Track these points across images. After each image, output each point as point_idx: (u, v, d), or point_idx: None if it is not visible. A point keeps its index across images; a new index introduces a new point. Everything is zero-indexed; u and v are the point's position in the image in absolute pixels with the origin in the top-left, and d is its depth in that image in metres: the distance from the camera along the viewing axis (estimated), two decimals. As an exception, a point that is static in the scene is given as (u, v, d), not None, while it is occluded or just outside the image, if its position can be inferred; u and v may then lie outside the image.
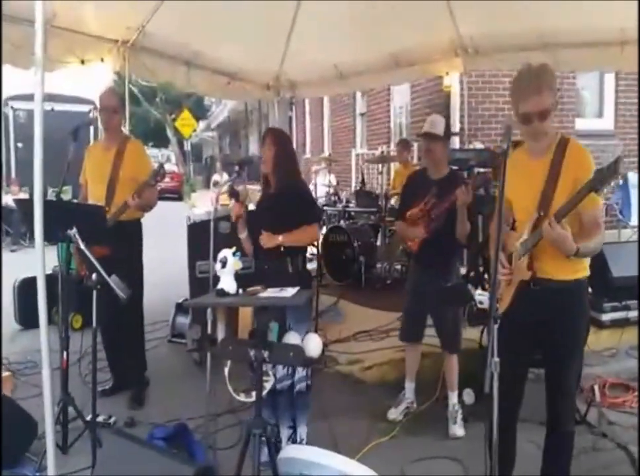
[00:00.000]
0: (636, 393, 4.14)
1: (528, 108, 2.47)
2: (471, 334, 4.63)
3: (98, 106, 4.24)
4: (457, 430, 3.71)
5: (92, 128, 11.98)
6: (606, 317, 5.21)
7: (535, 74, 2.51)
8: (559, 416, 2.65)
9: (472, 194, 3.45)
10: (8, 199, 11.00)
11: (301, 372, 3.19)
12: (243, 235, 3.41)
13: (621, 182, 8.75)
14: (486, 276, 4.17)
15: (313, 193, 7.77)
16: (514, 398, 2.65)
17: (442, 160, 3.81)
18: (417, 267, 3.98)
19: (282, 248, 3.26)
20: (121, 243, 3.72)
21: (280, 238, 3.25)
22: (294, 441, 3.15)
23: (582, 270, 2.63)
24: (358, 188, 8.71)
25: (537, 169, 2.57)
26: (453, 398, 3.83)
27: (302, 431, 3.21)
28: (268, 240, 3.27)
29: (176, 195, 23.02)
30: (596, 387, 4.16)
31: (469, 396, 4.00)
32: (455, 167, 4.91)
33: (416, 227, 3.75)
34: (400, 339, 4.09)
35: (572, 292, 2.61)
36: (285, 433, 3.16)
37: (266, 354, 2.40)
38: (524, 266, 2.57)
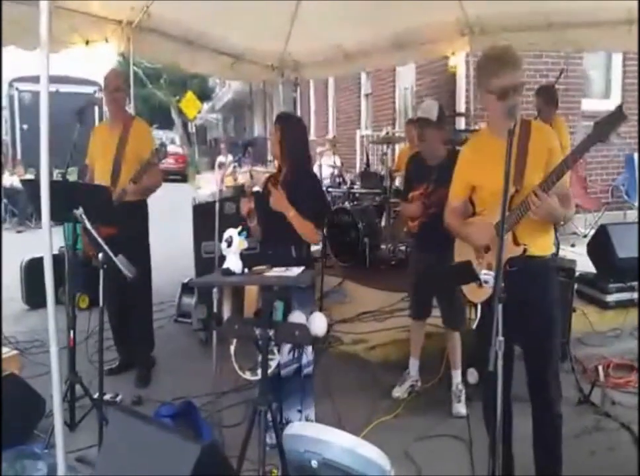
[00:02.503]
0: (640, 373, 4.17)
1: (507, 81, 2.49)
2: (474, 314, 4.66)
3: (103, 85, 4.22)
4: (461, 408, 3.73)
5: (97, 109, 11.97)
6: (611, 298, 5.23)
7: (505, 52, 2.59)
8: (547, 395, 2.65)
9: None
10: (14, 180, 11.03)
11: (308, 356, 3.21)
12: (253, 223, 3.39)
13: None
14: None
15: (317, 174, 7.77)
16: (506, 376, 2.66)
17: (437, 145, 3.78)
18: (417, 250, 4.02)
19: (285, 219, 3.21)
20: (128, 223, 3.73)
21: (293, 211, 3.18)
22: (302, 424, 3.17)
23: (551, 246, 2.70)
24: (363, 169, 8.68)
25: (505, 149, 2.56)
26: (457, 377, 3.85)
27: (310, 413, 3.23)
28: (280, 202, 3.18)
29: (180, 177, 23.03)
30: (600, 368, 4.17)
31: (472, 376, 4.02)
32: (458, 148, 4.89)
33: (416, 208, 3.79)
34: (410, 316, 4.12)
35: (547, 268, 2.66)
36: (294, 417, 3.18)
37: (271, 332, 2.42)
38: (510, 243, 2.54)
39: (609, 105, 9.40)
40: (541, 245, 2.62)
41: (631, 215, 8.57)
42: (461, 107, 8.65)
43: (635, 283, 5.22)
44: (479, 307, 2.77)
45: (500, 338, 2.17)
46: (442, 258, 3.69)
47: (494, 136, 2.63)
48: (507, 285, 2.52)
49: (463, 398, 3.78)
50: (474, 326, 2.83)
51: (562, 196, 2.55)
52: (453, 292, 3.81)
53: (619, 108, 2.20)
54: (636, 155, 8.88)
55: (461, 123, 8.53)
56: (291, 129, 3.39)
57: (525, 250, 2.54)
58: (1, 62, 3.85)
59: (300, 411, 3.21)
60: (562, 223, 2.53)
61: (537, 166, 2.54)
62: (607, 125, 2.23)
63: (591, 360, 4.35)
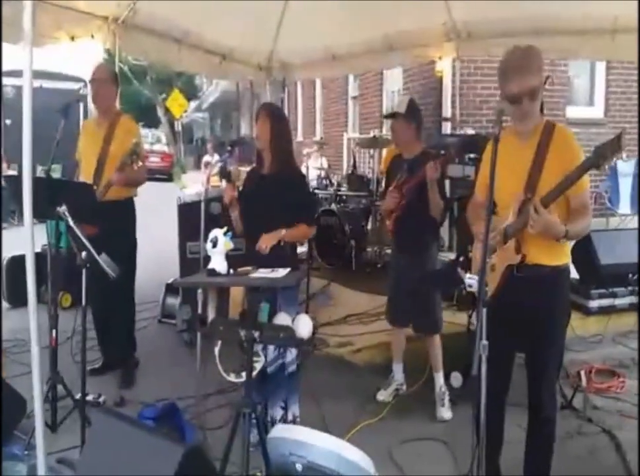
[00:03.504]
0: (621, 379, 4.21)
1: (517, 88, 2.47)
2: (459, 318, 4.68)
3: (90, 79, 4.17)
4: (445, 412, 3.74)
5: (81, 105, 11.85)
6: (593, 304, 5.27)
7: (522, 55, 2.54)
8: (540, 402, 2.66)
9: (441, 170, 3.53)
10: (-4, 177, 10.87)
11: (292, 353, 3.20)
12: (235, 213, 3.36)
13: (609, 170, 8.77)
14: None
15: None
16: (501, 382, 2.67)
17: (409, 139, 3.80)
18: (395, 250, 4.06)
19: (282, 243, 3.18)
20: (113, 222, 3.70)
21: (283, 232, 3.16)
22: (286, 421, 3.16)
23: (565, 255, 2.64)
24: (350, 171, 8.68)
25: (524, 152, 2.56)
26: (439, 380, 3.85)
27: (294, 410, 3.22)
28: (270, 240, 3.13)
29: (166, 176, 22.89)
30: (582, 373, 4.21)
31: (456, 379, 4.03)
32: (443, 152, 4.94)
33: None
34: (388, 322, 4.13)
35: (556, 278, 2.62)
36: (278, 413, 3.17)
37: (256, 334, 2.40)
38: (511, 250, 2.55)
39: (593, 112, 9.54)
40: (549, 254, 2.55)
41: (614, 221, 8.65)
42: (447, 112, 8.68)
43: (617, 290, 5.28)
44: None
45: (485, 342, 2.17)
46: (416, 258, 3.73)
47: (514, 136, 2.62)
48: (510, 291, 2.54)
49: (446, 401, 3.78)
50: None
51: (580, 208, 2.50)
52: (428, 296, 3.82)
53: (619, 137, 2.18)
54: (620, 163, 8.95)
55: (446, 128, 8.57)
56: (279, 119, 3.39)
57: (523, 260, 2.53)
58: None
59: (284, 408, 3.20)
60: (563, 238, 2.43)
61: (555, 173, 2.44)
62: (607, 151, 2.20)
63: (573, 365, 4.38)
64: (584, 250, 5.40)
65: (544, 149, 2.53)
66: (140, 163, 3.88)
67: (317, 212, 4.28)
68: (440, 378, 3.86)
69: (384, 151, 9.12)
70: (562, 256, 2.61)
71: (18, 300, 5.65)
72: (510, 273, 2.57)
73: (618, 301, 5.29)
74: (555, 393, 2.74)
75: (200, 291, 3.13)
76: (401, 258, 3.90)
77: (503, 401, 2.73)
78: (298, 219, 3.26)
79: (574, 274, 5.51)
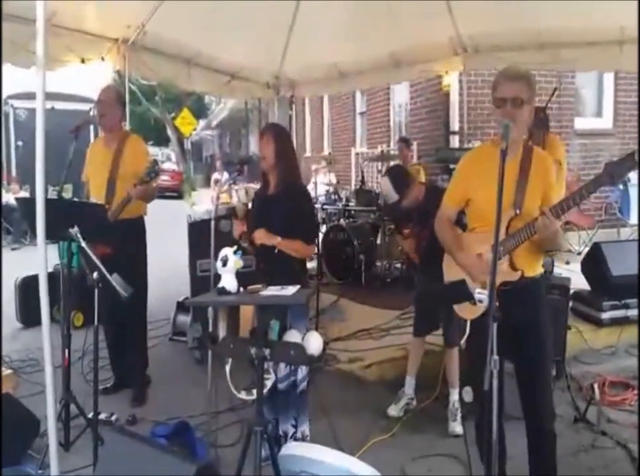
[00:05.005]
0: (635, 391, 4.16)
1: (502, 93, 2.56)
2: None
3: (97, 100, 4.21)
4: (457, 427, 3.72)
5: (92, 127, 11.98)
6: (605, 316, 5.24)
7: (514, 69, 2.67)
8: (539, 414, 2.66)
9: None
10: (9, 198, 11.00)
11: (303, 371, 3.20)
12: (246, 244, 3.40)
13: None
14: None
15: (313, 192, 7.77)
16: (499, 395, 2.66)
17: (417, 196, 3.81)
18: (422, 277, 4.00)
19: (276, 250, 3.23)
20: (125, 241, 3.73)
21: (278, 239, 3.21)
22: (297, 439, 3.16)
23: (541, 266, 2.74)
24: (358, 186, 8.73)
25: (508, 168, 2.56)
26: (454, 395, 3.83)
27: (305, 428, 3.23)
28: (265, 237, 3.23)
29: (176, 193, 23.03)
30: (596, 386, 4.16)
31: (468, 394, 4.00)
32: (452, 166, 4.97)
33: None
34: (413, 334, 4.10)
35: (537, 286, 2.69)
36: (290, 430, 3.17)
37: (267, 352, 2.41)
38: (505, 267, 2.57)
39: (601, 123, 9.54)
40: (532, 266, 2.65)
41: (625, 232, 8.61)
42: (454, 125, 8.72)
43: (629, 301, 5.24)
44: (468, 323, 2.78)
45: (495, 357, 2.17)
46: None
47: (498, 151, 2.64)
48: (500, 304, 2.54)
49: (459, 416, 3.76)
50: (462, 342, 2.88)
51: (561, 225, 2.57)
52: (451, 310, 3.81)
53: (632, 155, 2.21)
54: (630, 173, 8.92)
55: (455, 142, 8.60)
56: (283, 140, 3.39)
57: (523, 276, 2.58)
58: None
59: (295, 426, 3.20)
60: (556, 250, 2.55)
61: (537, 193, 2.58)
62: (618, 169, 2.24)
63: (586, 378, 4.35)
64: (595, 261, 5.38)
65: (527, 166, 2.61)
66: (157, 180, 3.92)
67: (317, 234, 4.35)
68: (455, 394, 3.83)
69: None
70: (540, 266, 2.72)
71: (31, 320, 5.69)
72: (503, 287, 2.57)
73: (631, 312, 5.24)
74: (552, 401, 2.71)
75: (210, 309, 3.14)
76: (429, 281, 3.80)
77: (502, 414, 2.71)
78: (295, 235, 3.28)
79: (585, 285, 5.51)
